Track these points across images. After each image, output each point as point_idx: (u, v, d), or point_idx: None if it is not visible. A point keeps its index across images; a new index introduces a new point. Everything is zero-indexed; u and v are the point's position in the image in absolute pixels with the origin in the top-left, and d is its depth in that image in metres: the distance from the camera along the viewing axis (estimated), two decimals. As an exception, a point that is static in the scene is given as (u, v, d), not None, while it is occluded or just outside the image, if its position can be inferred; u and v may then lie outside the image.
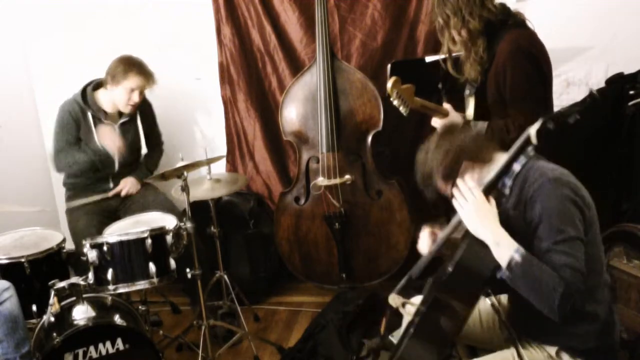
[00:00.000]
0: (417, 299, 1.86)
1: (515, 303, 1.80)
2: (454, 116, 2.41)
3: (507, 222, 1.61)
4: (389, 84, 2.29)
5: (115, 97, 2.99)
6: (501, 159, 1.67)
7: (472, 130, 1.73)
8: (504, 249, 1.53)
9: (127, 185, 3.13)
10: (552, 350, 1.68)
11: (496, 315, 1.89)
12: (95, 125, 3.02)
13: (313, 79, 3.18)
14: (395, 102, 2.34)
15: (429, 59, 2.90)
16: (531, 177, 1.60)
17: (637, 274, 2.39)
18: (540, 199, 1.55)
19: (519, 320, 1.77)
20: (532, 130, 1.54)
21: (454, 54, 2.36)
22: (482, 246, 1.59)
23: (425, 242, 1.90)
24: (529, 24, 2.26)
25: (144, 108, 3.19)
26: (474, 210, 1.60)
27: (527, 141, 1.56)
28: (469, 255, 1.60)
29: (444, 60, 2.42)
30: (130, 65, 2.95)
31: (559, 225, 1.51)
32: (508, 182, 1.66)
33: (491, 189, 1.63)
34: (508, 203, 1.67)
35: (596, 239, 1.64)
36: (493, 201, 1.62)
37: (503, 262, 1.53)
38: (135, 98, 2.98)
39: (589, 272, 1.58)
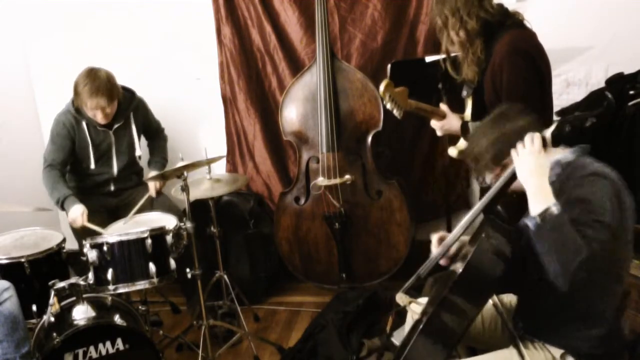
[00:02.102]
0: (424, 299, 1.86)
1: (527, 300, 1.79)
2: (452, 118, 2.41)
3: None
4: (381, 87, 2.29)
5: (86, 112, 2.94)
6: (550, 151, 1.66)
7: (523, 119, 1.70)
8: (543, 199, 1.51)
9: (152, 187, 3.07)
10: (557, 352, 1.68)
11: (498, 316, 1.89)
12: (90, 133, 2.98)
13: (313, 79, 3.18)
14: (388, 106, 2.34)
15: (429, 59, 2.91)
16: (582, 166, 1.60)
17: (637, 274, 2.39)
18: (588, 184, 1.54)
19: (529, 317, 1.76)
20: (547, 134, 1.53)
21: (452, 54, 2.36)
22: (494, 247, 1.59)
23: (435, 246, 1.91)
24: (528, 24, 2.26)
25: (137, 107, 3.13)
26: (531, 157, 1.58)
27: (544, 143, 1.56)
28: (480, 256, 1.59)
29: (444, 59, 2.42)
30: (86, 87, 2.82)
31: (600, 210, 1.49)
32: (557, 169, 1.65)
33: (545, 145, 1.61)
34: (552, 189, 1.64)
35: (625, 245, 1.61)
36: (546, 154, 1.60)
37: (537, 210, 1.50)
38: (99, 117, 2.90)
39: (611, 274, 1.58)
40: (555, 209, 1.48)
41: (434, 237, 1.91)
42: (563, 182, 1.61)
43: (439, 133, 2.49)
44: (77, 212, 2.84)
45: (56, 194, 2.92)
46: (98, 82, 2.83)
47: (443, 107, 2.44)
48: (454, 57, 2.36)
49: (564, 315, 1.64)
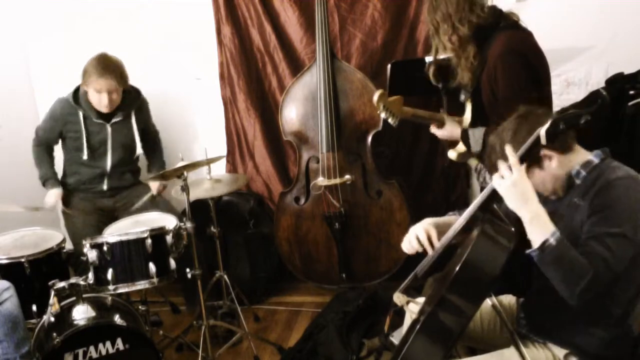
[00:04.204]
0: (422, 299, 1.86)
1: (534, 297, 1.79)
2: (451, 125, 2.42)
3: (561, 210, 1.62)
4: (375, 97, 2.30)
5: (90, 98, 2.97)
6: (581, 151, 1.65)
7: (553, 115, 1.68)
8: (541, 229, 1.51)
9: (154, 187, 3.10)
10: (561, 352, 1.67)
11: (497, 316, 1.89)
12: (86, 124, 3.01)
13: (313, 79, 3.18)
14: (383, 115, 2.36)
15: (429, 59, 2.89)
16: (610, 169, 1.58)
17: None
18: (617, 187, 1.53)
19: (535, 315, 1.76)
20: (542, 131, 1.52)
21: (440, 56, 2.35)
22: (492, 245, 1.59)
23: (411, 242, 1.89)
24: (523, 24, 2.25)
25: (140, 107, 3.15)
26: (516, 185, 1.55)
27: (537, 141, 1.55)
28: (477, 254, 1.59)
29: (429, 64, 2.42)
30: (96, 67, 2.87)
31: (619, 218, 1.49)
32: (583, 172, 1.63)
33: (522, 162, 1.58)
34: (576, 192, 1.64)
35: None
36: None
37: (536, 241, 1.51)
38: (105, 100, 2.92)
39: (632, 283, 1.56)
40: (553, 240, 1.49)
41: (420, 230, 1.91)
42: (588, 186, 1.60)
43: (439, 137, 2.50)
44: (52, 197, 3.00)
45: (41, 173, 3.08)
46: (109, 63, 2.90)
47: (443, 115, 2.44)
48: (445, 65, 2.36)
49: (571, 314, 1.62)
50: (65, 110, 3.01)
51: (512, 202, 1.57)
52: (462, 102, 2.47)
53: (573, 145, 1.65)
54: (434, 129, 2.46)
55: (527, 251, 1.54)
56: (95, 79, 2.86)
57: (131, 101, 3.09)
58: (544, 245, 1.49)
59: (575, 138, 1.66)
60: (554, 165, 1.63)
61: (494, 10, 2.24)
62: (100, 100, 2.93)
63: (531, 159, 1.60)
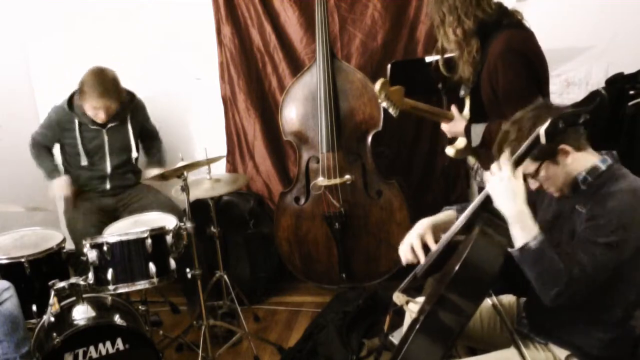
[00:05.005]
0: (422, 298, 1.86)
1: (535, 297, 1.79)
2: (459, 120, 2.41)
3: (565, 214, 1.63)
4: (377, 86, 2.29)
5: (85, 110, 2.99)
6: (591, 152, 1.64)
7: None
8: (523, 231, 1.53)
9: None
10: (562, 353, 1.67)
11: (497, 315, 1.89)
12: (81, 131, 3.03)
13: (313, 79, 3.18)
14: (384, 104, 2.35)
15: (429, 59, 2.91)
16: (614, 179, 1.58)
17: None
18: (617, 199, 1.52)
19: (537, 315, 1.76)
20: (541, 130, 1.52)
21: (446, 55, 2.36)
22: (491, 244, 1.59)
23: (405, 255, 1.85)
24: (526, 24, 2.26)
25: (135, 110, 3.17)
26: (504, 183, 1.57)
27: (537, 140, 1.55)
28: (476, 254, 1.59)
29: (437, 60, 2.43)
30: (96, 86, 2.88)
31: (612, 229, 1.48)
32: (589, 178, 1.62)
33: (519, 163, 1.59)
34: (579, 198, 1.63)
35: None
36: (521, 178, 1.59)
37: (518, 242, 1.53)
38: (101, 116, 2.96)
39: (632, 284, 1.57)
40: (534, 244, 1.50)
41: (413, 238, 1.86)
42: (591, 194, 1.59)
43: (449, 135, 2.49)
44: (58, 187, 3.02)
45: (44, 169, 3.11)
46: (106, 84, 2.90)
47: (454, 110, 2.44)
48: (449, 58, 2.37)
49: (572, 314, 1.63)
50: (61, 118, 3.04)
51: (498, 198, 1.59)
52: (462, 98, 2.47)
53: (585, 145, 1.65)
54: (443, 125, 2.47)
55: (508, 249, 1.56)
56: (94, 99, 2.90)
57: (125, 106, 3.10)
58: (524, 247, 1.52)
59: (587, 138, 1.65)
60: (569, 161, 1.62)
61: (500, 7, 2.24)
62: (96, 114, 2.97)
63: (547, 154, 1.59)
